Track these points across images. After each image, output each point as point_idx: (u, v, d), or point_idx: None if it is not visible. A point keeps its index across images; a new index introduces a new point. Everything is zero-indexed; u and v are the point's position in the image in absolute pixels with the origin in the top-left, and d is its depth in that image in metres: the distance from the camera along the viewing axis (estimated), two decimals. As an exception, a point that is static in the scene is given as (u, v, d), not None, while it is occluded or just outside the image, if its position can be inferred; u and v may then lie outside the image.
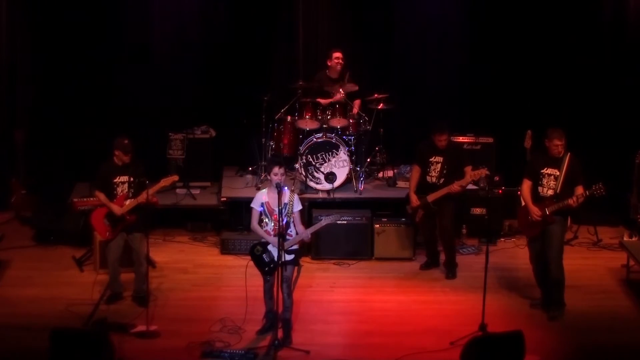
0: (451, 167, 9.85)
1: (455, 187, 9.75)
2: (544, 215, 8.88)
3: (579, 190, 8.81)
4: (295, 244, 8.37)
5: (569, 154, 8.89)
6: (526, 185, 9.11)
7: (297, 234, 8.40)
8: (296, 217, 8.41)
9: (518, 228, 10.28)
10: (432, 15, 12.34)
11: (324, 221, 8.53)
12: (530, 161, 9.31)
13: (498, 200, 11.25)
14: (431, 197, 9.89)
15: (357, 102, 11.47)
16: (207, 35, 12.29)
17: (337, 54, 11.35)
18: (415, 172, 10.10)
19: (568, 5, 11.91)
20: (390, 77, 12.30)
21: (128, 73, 12.12)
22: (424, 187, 10.00)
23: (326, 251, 10.61)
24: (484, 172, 9.78)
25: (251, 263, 8.48)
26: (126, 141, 9.10)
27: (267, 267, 8.37)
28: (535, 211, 8.92)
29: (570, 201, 8.75)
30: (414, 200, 10.00)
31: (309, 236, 8.49)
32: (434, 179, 9.92)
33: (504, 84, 12.11)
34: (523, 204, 9.32)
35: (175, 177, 9.46)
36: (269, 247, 8.37)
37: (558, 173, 8.87)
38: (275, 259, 8.28)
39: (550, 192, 8.92)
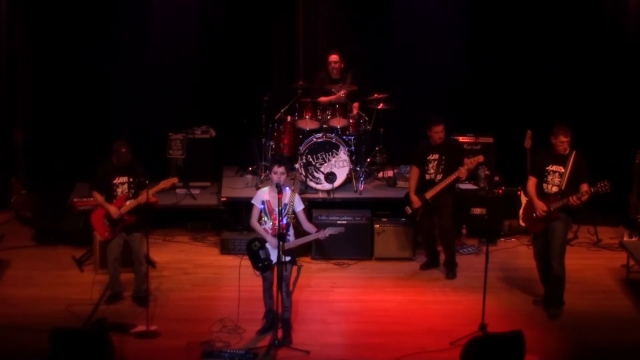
0: (448, 163, 9.85)
1: (462, 171, 9.71)
2: (548, 212, 8.88)
3: (584, 187, 8.78)
4: (304, 243, 8.35)
5: (574, 151, 8.88)
6: (531, 182, 9.09)
7: (296, 235, 8.41)
8: (301, 216, 8.41)
9: (522, 223, 10.30)
10: (431, 15, 12.34)
11: (328, 230, 8.42)
12: (536, 158, 9.28)
13: (498, 200, 11.26)
14: (429, 194, 9.90)
15: (356, 105, 11.48)
16: (207, 35, 12.30)
17: (334, 57, 11.34)
18: (413, 174, 10.11)
19: (568, 5, 11.91)
20: (390, 77, 12.30)
21: (128, 73, 12.12)
22: (423, 185, 10.01)
23: (326, 251, 10.60)
24: (480, 158, 9.78)
25: (245, 262, 8.47)
26: (123, 150, 9.05)
27: (261, 264, 8.37)
28: (540, 206, 8.91)
29: (573, 199, 8.70)
30: (415, 201, 10.00)
31: (327, 235, 8.40)
32: (432, 176, 9.94)
33: (504, 84, 12.12)
34: (525, 201, 9.32)
35: (175, 180, 9.45)
36: (267, 245, 8.36)
37: (563, 170, 8.86)
38: (271, 257, 8.29)
39: (555, 188, 8.92)
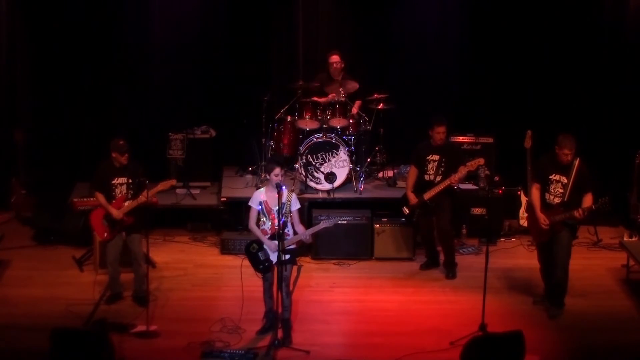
0: (448, 164, 9.86)
1: (453, 178, 9.74)
2: (552, 225, 8.87)
3: (588, 199, 8.75)
4: (294, 243, 8.38)
5: (577, 159, 8.83)
6: (535, 188, 9.06)
7: (295, 233, 8.41)
8: (295, 216, 8.40)
9: (523, 223, 10.30)
10: (431, 14, 12.35)
11: (322, 224, 8.51)
12: (538, 164, 9.23)
13: (498, 200, 11.25)
14: (428, 195, 9.90)
15: (357, 103, 11.47)
16: (207, 35, 12.29)
17: (334, 58, 11.34)
18: (412, 173, 10.11)
19: (568, 5, 11.91)
20: (390, 77, 12.29)
21: (128, 73, 12.12)
22: (422, 186, 10.01)
23: (326, 251, 10.61)
24: (481, 160, 9.79)
25: (246, 262, 8.48)
26: (121, 142, 9.07)
27: (262, 266, 8.37)
28: (542, 220, 8.90)
29: (576, 213, 8.71)
30: (412, 198, 10.00)
31: (309, 238, 8.48)
32: (431, 177, 9.94)
33: (504, 84, 12.12)
34: (524, 204, 9.30)
35: (173, 181, 9.46)
36: (265, 246, 8.37)
37: (566, 180, 8.82)
38: (271, 257, 8.29)
39: (557, 200, 8.88)
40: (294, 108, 11.47)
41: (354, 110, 11.38)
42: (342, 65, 11.39)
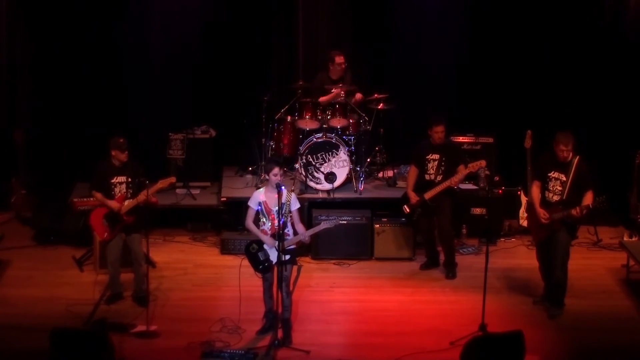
0: (448, 164, 9.87)
1: (454, 179, 9.75)
2: (550, 222, 8.87)
3: (588, 197, 8.75)
4: (294, 244, 8.38)
5: (577, 157, 8.84)
6: (535, 186, 9.07)
7: (295, 233, 8.41)
8: (295, 216, 8.40)
9: (522, 223, 10.29)
10: (431, 14, 12.34)
11: (323, 225, 8.53)
12: (539, 162, 9.22)
13: (498, 200, 11.25)
14: (429, 195, 9.90)
15: (358, 95, 11.44)
16: (207, 35, 12.29)
17: (340, 59, 11.32)
18: (412, 172, 10.12)
19: (568, 5, 11.91)
20: (390, 77, 12.29)
21: (128, 73, 12.13)
22: (422, 186, 10.01)
23: (326, 251, 10.61)
24: (482, 163, 9.80)
25: (245, 262, 8.48)
26: (121, 140, 9.08)
27: (261, 266, 8.38)
28: (542, 215, 8.90)
29: (574, 212, 8.72)
30: (413, 197, 10.00)
31: (308, 238, 8.49)
32: (431, 176, 9.94)
33: (504, 84, 12.11)
34: (525, 201, 9.29)
35: (173, 179, 9.45)
36: (265, 246, 8.37)
37: (565, 178, 8.83)
38: (271, 257, 8.30)
39: (556, 197, 8.89)
40: (294, 108, 11.47)
41: (358, 96, 11.33)
42: (345, 67, 11.40)
